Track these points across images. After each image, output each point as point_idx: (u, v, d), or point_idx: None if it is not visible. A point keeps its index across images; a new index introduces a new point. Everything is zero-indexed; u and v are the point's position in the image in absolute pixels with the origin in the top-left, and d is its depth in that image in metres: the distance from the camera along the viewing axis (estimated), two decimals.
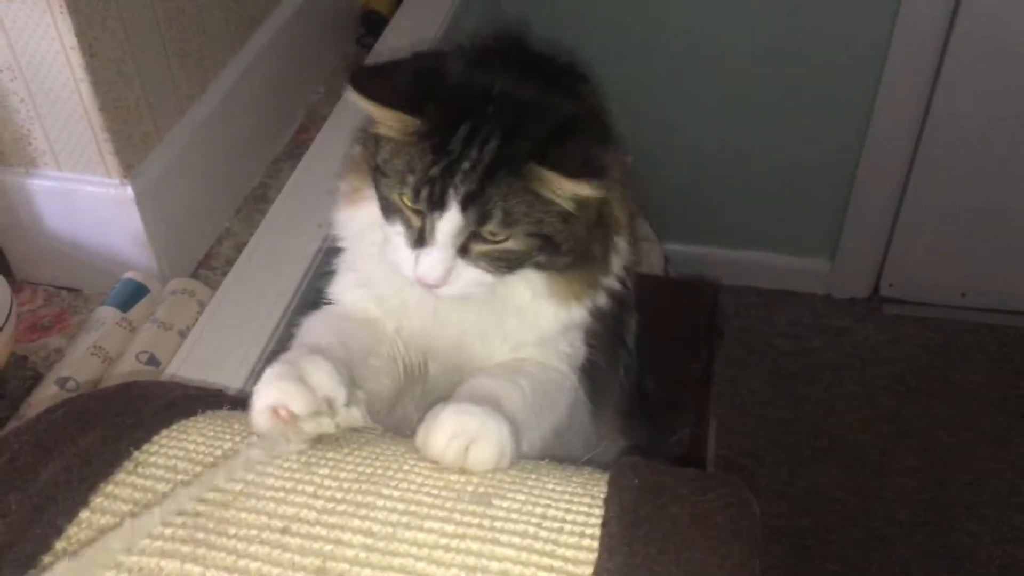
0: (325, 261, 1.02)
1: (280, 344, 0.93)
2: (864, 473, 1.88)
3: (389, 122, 0.68)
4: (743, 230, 2.22)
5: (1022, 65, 1.88)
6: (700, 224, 2.20)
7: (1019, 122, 1.96)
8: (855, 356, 2.13)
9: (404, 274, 0.69)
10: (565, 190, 0.66)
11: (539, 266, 0.70)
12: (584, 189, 0.65)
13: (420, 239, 0.68)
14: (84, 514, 0.42)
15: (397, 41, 1.40)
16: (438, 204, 0.66)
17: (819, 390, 2.06)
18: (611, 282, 0.76)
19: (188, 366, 0.88)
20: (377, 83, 0.68)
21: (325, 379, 0.59)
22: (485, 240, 0.67)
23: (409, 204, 0.68)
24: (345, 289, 0.80)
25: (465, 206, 0.65)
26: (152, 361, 0.93)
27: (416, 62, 0.72)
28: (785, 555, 1.71)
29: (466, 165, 0.65)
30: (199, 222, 1.12)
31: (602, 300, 0.77)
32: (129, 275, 1.02)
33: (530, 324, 0.75)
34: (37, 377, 0.94)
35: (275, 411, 0.53)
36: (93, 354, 0.94)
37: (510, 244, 0.67)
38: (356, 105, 0.69)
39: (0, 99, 0.94)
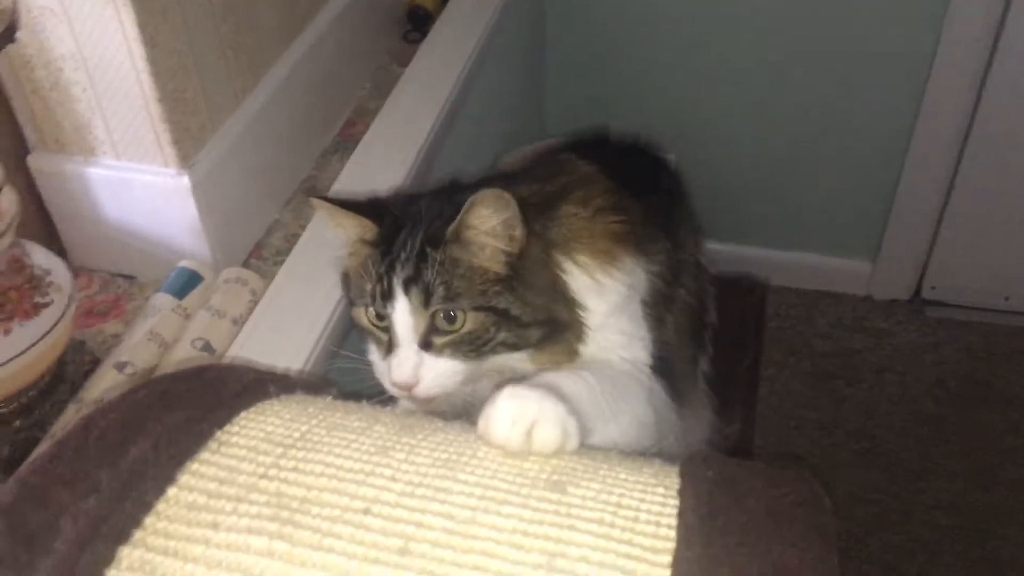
0: None
1: (333, 335, 0.94)
2: (904, 477, 1.86)
3: (352, 230, 0.79)
4: (785, 230, 2.21)
5: None
6: (741, 224, 2.19)
7: None
8: (896, 359, 2.11)
9: (387, 388, 0.74)
10: (478, 222, 0.70)
11: (511, 346, 0.72)
12: (489, 208, 0.69)
13: (389, 347, 0.74)
14: (172, 491, 0.43)
15: (442, 38, 1.41)
16: (388, 296, 0.72)
17: (859, 392, 2.04)
18: (588, 338, 0.77)
19: (244, 353, 0.89)
20: (341, 200, 0.79)
21: None
22: (443, 331, 0.71)
23: (375, 322, 0.75)
24: None
25: (407, 289, 0.71)
26: (207, 348, 0.95)
27: (368, 199, 0.83)
28: None
29: (403, 256, 0.72)
30: (251, 213, 1.14)
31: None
32: (184, 263, 1.03)
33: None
34: (95, 361, 0.95)
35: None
36: (150, 340, 0.95)
37: (467, 327, 0.71)
38: (326, 219, 0.81)
39: (63, 89, 0.95)
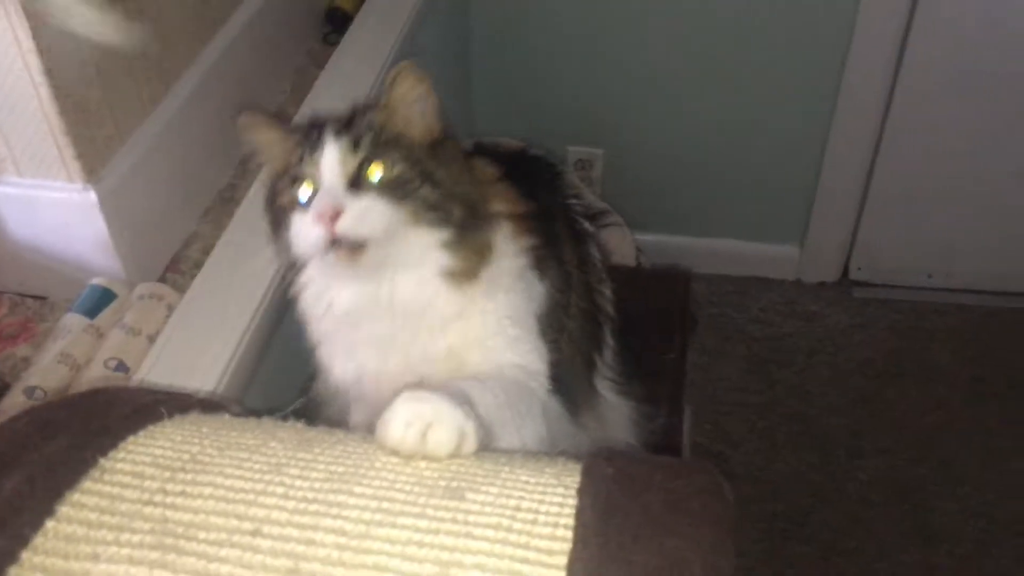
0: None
1: (251, 348, 0.93)
2: (838, 455, 1.91)
3: (273, 137, 0.84)
4: (713, 219, 2.24)
5: (983, 52, 1.91)
6: (670, 214, 2.21)
7: (980, 108, 1.99)
8: (827, 340, 2.15)
9: (309, 238, 0.73)
10: (398, 91, 0.77)
11: (433, 208, 0.74)
12: (408, 79, 0.77)
13: (312, 195, 0.75)
14: (50, 524, 0.41)
15: (361, 39, 1.39)
16: (317, 147, 0.76)
17: (792, 375, 2.08)
18: (514, 242, 0.80)
19: (158, 370, 0.88)
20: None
21: None
22: (367, 177, 0.74)
23: (295, 195, 0.77)
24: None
25: (338, 136, 0.75)
26: (121, 367, 0.92)
27: None
28: (761, 539, 1.73)
29: (333, 120, 0.79)
30: (166, 225, 1.11)
31: (513, 265, 0.80)
32: (95, 281, 1.01)
33: (471, 326, 0.78)
34: (5, 387, 0.92)
35: None
36: (60, 362, 0.92)
37: (394, 171, 0.74)
38: (250, 135, 0.85)
39: None
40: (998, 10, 1.87)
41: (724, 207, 2.21)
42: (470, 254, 0.76)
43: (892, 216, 2.16)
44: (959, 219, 2.15)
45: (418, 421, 0.53)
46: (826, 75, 1.97)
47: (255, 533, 0.42)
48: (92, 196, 0.97)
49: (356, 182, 0.74)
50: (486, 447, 0.57)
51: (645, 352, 1.11)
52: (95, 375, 0.91)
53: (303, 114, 1.27)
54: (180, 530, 0.42)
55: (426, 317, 0.77)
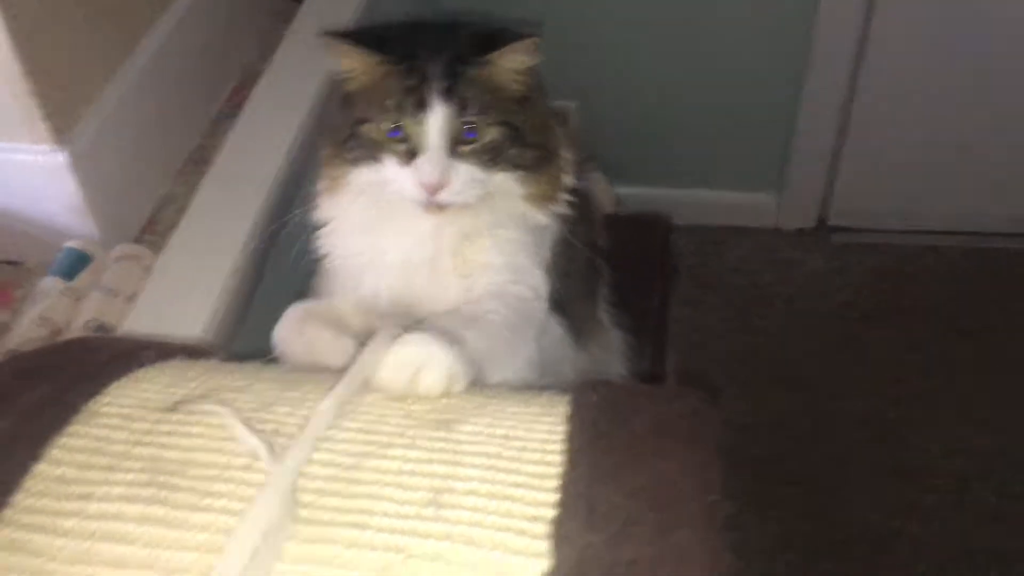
0: (275, 214, 1.01)
1: (232, 302, 0.92)
2: (819, 398, 1.93)
3: (365, 65, 0.81)
4: (689, 169, 2.24)
5: None
6: (648, 166, 2.21)
7: (955, 50, 1.99)
8: (806, 286, 2.17)
9: (407, 191, 0.78)
10: (509, 63, 0.79)
11: (515, 164, 0.80)
12: (524, 51, 0.79)
13: (411, 153, 0.78)
14: (39, 467, 0.41)
15: None
16: (423, 106, 0.76)
17: (772, 323, 2.10)
18: (571, 180, 0.87)
19: (139, 327, 0.87)
20: (349, 35, 0.82)
21: None
22: (466, 141, 0.77)
23: (389, 137, 0.78)
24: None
25: (447, 98, 0.76)
26: (101, 329, 0.91)
27: (365, 28, 0.87)
28: (747, 482, 1.75)
29: (436, 71, 0.77)
30: (139, 186, 1.10)
31: (565, 209, 0.86)
32: (71, 244, 0.99)
33: (515, 245, 0.83)
34: None
35: None
36: (40, 326, 0.92)
37: (487, 137, 0.78)
38: (335, 56, 0.82)
39: None
40: None
41: (700, 157, 2.21)
42: (543, 183, 0.83)
43: (868, 161, 2.17)
44: (934, 162, 2.16)
45: (410, 364, 0.55)
46: (799, 20, 1.96)
47: (247, 468, 0.42)
48: (62, 157, 0.95)
49: (454, 146, 0.77)
50: (476, 382, 0.58)
51: (628, 299, 1.11)
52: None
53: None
54: (172, 467, 0.42)
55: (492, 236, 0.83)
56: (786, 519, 1.72)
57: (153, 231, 1.09)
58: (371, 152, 0.80)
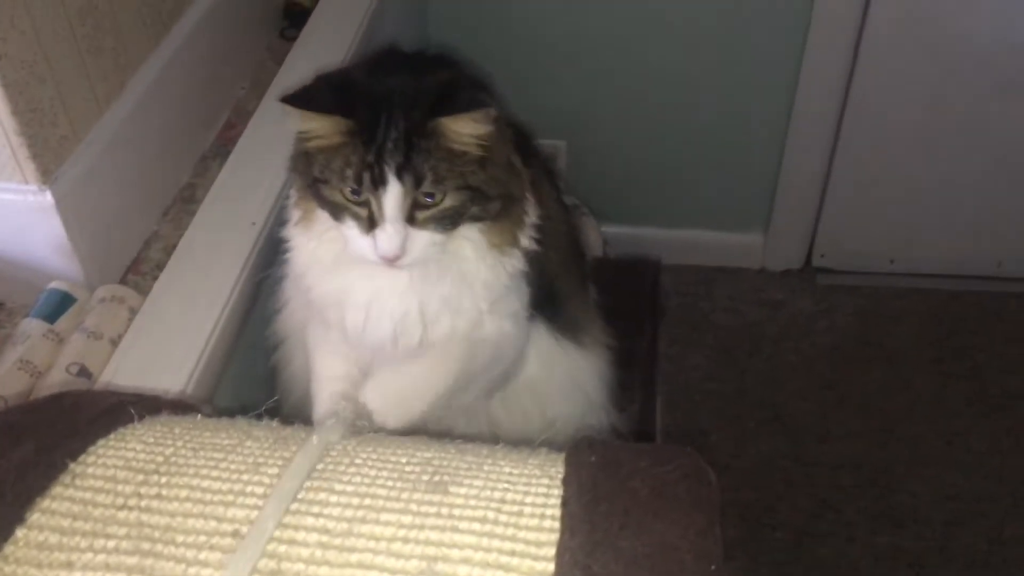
0: (262, 261, 1.00)
1: (218, 348, 0.91)
2: (807, 441, 1.93)
3: (324, 129, 0.79)
4: (677, 209, 2.25)
5: (938, 40, 1.94)
6: (635, 205, 2.22)
7: (940, 94, 2.02)
8: (792, 327, 2.17)
9: (368, 259, 0.79)
10: (463, 130, 0.77)
11: (476, 219, 0.81)
12: (476, 121, 0.77)
13: (371, 222, 0.78)
14: (20, 532, 0.40)
15: (319, 33, 1.37)
16: (380, 182, 0.76)
17: (760, 362, 2.09)
18: (535, 218, 0.88)
19: (122, 375, 0.85)
20: (309, 98, 0.79)
21: None
22: (425, 206, 0.78)
23: (351, 199, 0.79)
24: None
25: (400, 175, 0.76)
26: (83, 373, 0.90)
27: (328, 79, 0.85)
28: (735, 527, 1.74)
29: (390, 145, 0.76)
30: (125, 226, 1.08)
31: (529, 242, 0.87)
32: (54, 285, 0.98)
33: (481, 288, 0.85)
34: None
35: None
36: (20, 368, 0.90)
37: (447, 202, 0.78)
38: (294, 120, 0.79)
39: None
40: None
41: (688, 197, 2.22)
42: (505, 231, 0.84)
43: (854, 203, 2.19)
44: (920, 205, 2.18)
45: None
46: (785, 65, 1.98)
47: (235, 535, 0.41)
48: (48, 197, 0.94)
49: (413, 216, 0.78)
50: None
51: (617, 341, 1.11)
52: (56, 381, 0.88)
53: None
54: (157, 534, 0.40)
55: (453, 282, 0.84)
56: (775, 564, 1.71)
57: (138, 271, 1.07)
58: (333, 211, 0.81)
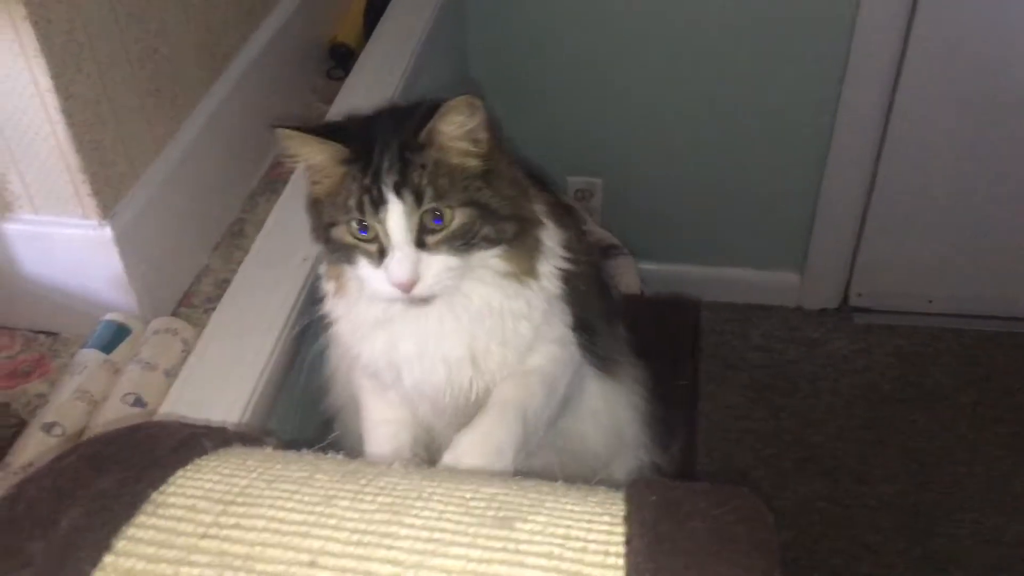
0: (313, 295, 1.02)
1: (271, 381, 0.93)
2: (845, 482, 1.91)
3: (323, 158, 0.79)
4: (713, 247, 2.25)
5: (978, 76, 1.94)
6: (670, 242, 2.23)
7: (979, 132, 2.02)
8: (829, 366, 2.16)
9: (383, 293, 0.77)
10: (454, 129, 0.76)
11: (491, 241, 0.78)
12: (462, 112, 0.75)
13: (381, 252, 0.77)
14: (108, 559, 0.41)
15: (366, 74, 1.41)
16: (380, 202, 0.75)
17: (796, 402, 2.08)
18: (558, 242, 0.86)
19: (179, 406, 0.87)
20: (307, 127, 0.80)
21: None
22: (434, 230, 0.76)
23: (360, 237, 0.77)
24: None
25: (399, 192, 0.75)
26: (138, 403, 0.92)
27: (325, 123, 0.90)
28: None
29: (386, 164, 0.75)
30: (178, 260, 1.11)
31: (559, 263, 0.86)
32: (110, 316, 1.01)
33: (517, 317, 0.83)
34: (21, 424, 0.92)
35: None
36: (78, 398, 0.92)
37: (456, 222, 0.76)
38: (292, 147, 0.79)
39: None
40: (996, 32, 1.90)
41: (724, 235, 2.23)
42: (524, 257, 0.82)
43: (891, 242, 2.18)
44: (958, 244, 2.17)
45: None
46: (823, 102, 1.99)
47: (312, 564, 0.42)
48: (107, 232, 0.97)
49: (422, 238, 0.76)
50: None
51: (659, 380, 1.11)
52: (112, 411, 0.91)
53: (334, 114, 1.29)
54: (238, 563, 0.42)
55: (491, 314, 0.82)
56: None
57: (190, 304, 1.10)
58: (346, 255, 0.80)
